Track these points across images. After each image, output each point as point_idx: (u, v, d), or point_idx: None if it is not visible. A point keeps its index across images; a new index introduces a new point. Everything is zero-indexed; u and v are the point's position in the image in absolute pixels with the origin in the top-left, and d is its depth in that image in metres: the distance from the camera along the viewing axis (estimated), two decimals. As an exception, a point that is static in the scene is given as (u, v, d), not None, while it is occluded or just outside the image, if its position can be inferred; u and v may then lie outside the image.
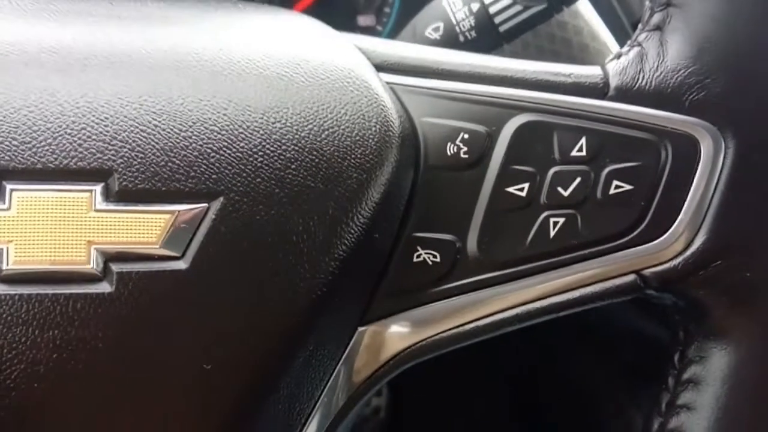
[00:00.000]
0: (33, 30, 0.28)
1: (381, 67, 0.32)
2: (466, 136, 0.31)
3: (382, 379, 0.31)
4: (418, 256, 0.31)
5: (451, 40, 0.47)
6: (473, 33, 0.46)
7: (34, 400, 0.26)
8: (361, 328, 0.31)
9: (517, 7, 0.46)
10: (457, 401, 0.66)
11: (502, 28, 0.46)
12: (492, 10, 0.46)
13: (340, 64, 0.30)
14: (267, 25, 0.32)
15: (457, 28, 0.46)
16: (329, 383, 0.30)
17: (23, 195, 0.26)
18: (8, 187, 0.26)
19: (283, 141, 0.28)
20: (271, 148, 0.28)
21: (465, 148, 0.31)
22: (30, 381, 0.26)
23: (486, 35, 0.46)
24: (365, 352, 0.31)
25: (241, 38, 0.30)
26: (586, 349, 0.64)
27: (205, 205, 0.27)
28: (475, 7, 0.46)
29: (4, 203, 0.25)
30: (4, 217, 0.25)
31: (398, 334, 0.31)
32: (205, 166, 0.27)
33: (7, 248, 0.25)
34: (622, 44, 0.42)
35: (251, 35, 0.31)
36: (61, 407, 0.26)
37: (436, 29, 0.47)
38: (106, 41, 0.28)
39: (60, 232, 0.26)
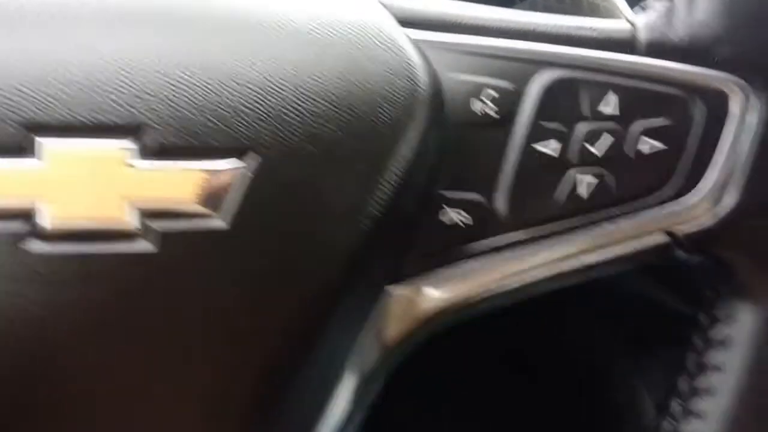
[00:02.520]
0: None
1: (405, 22, 0.31)
2: (492, 92, 0.30)
3: (414, 341, 0.30)
4: (447, 216, 0.30)
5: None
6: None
7: (76, 359, 0.26)
8: (391, 289, 0.30)
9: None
10: (452, 371, 0.66)
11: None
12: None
13: (366, 20, 0.29)
14: None
15: None
16: (360, 345, 0.29)
17: (57, 150, 0.25)
18: (41, 141, 0.25)
19: (316, 97, 0.27)
20: (304, 105, 0.27)
21: (492, 105, 0.30)
22: (71, 340, 0.25)
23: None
24: (396, 313, 0.30)
25: None
26: (587, 315, 0.64)
27: (241, 162, 0.26)
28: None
29: (39, 159, 0.25)
30: (40, 173, 0.25)
31: (428, 294, 0.30)
32: (240, 122, 0.26)
33: (44, 205, 0.25)
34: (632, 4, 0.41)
35: None
36: (102, 367, 0.26)
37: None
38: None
39: (96, 188, 0.25)
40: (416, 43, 0.30)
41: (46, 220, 0.25)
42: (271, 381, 0.27)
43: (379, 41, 0.29)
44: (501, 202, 0.30)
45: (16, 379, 0.26)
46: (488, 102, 0.30)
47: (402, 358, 0.31)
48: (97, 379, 0.26)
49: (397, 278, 0.30)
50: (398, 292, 0.30)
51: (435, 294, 0.30)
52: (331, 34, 0.28)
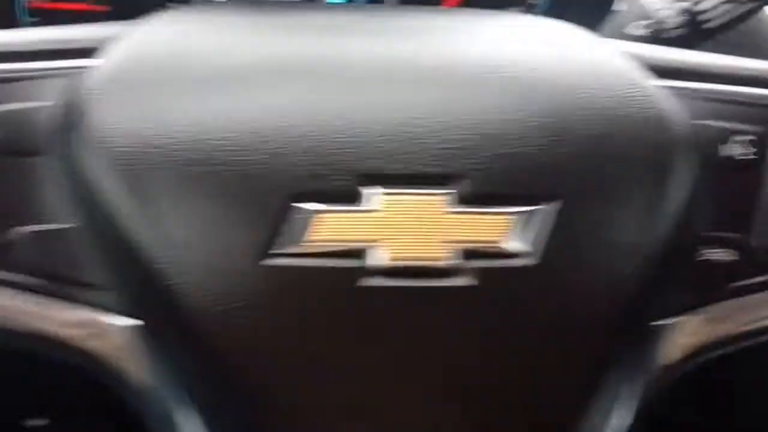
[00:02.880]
0: (376, 45, 0.30)
1: (653, 71, 0.33)
2: (741, 137, 0.32)
3: (677, 373, 0.32)
4: (708, 254, 0.32)
5: (655, 36, 0.47)
6: (677, 30, 0.47)
7: (397, 380, 0.29)
8: (658, 323, 0.32)
9: (727, 6, 0.46)
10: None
11: (707, 25, 0.47)
12: (699, 8, 0.46)
13: (619, 71, 0.31)
14: (538, 33, 0.34)
15: (661, 26, 0.47)
16: (629, 373, 0.31)
17: (389, 198, 0.28)
18: (376, 191, 0.28)
19: (595, 145, 0.29)
20: (586, 152, 0.29)
21: (742, 150, 0.32)
22: (386, 366, 0.28)
23: (691, 32, 0.47)
24: (661, 346, 0.32)
25: (523, 47, 0.32)
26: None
27: (546, 206, 0.28)
28: (681, 4, 0.46)
29: (368, 205, 0.28)
30: (370, 218, 0.28)
31: (692, 329, 0.32)
32: (541, 170, 0.28)
33: (373, 246, 0.28)
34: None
35: (532, 44, 0.32)
36: (406, 394, 0.29)
37: (641, 26, 0.47)
38: (438, 57, 0.30)
39: (421, 231, 0.28)
40: (665, 91, 0.32)
41: (376, 259, 0.28)
42: (566, 403, 0.30)
43: (633, 91, 0.31)
44: (759, 242, 0.32)
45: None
46: (737, 146, 0.32)
47: (668, 384, 0.32)
48: (398, 406, 0.29)
49: (665, 313, 0.32)
50: (665, 326, 0.32)
51: (698, 330, 0.32)
52: (592, 86, 0.30)
